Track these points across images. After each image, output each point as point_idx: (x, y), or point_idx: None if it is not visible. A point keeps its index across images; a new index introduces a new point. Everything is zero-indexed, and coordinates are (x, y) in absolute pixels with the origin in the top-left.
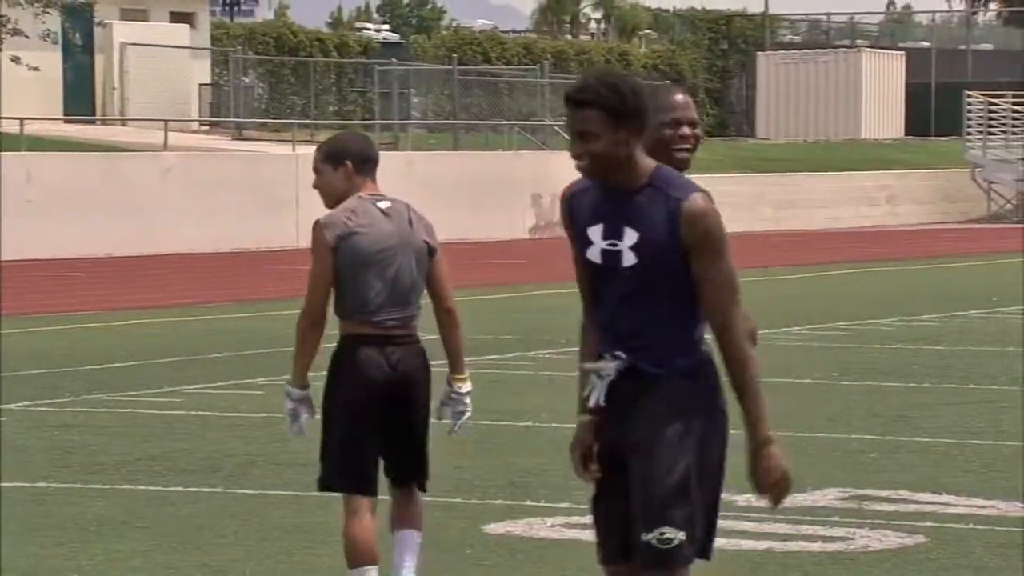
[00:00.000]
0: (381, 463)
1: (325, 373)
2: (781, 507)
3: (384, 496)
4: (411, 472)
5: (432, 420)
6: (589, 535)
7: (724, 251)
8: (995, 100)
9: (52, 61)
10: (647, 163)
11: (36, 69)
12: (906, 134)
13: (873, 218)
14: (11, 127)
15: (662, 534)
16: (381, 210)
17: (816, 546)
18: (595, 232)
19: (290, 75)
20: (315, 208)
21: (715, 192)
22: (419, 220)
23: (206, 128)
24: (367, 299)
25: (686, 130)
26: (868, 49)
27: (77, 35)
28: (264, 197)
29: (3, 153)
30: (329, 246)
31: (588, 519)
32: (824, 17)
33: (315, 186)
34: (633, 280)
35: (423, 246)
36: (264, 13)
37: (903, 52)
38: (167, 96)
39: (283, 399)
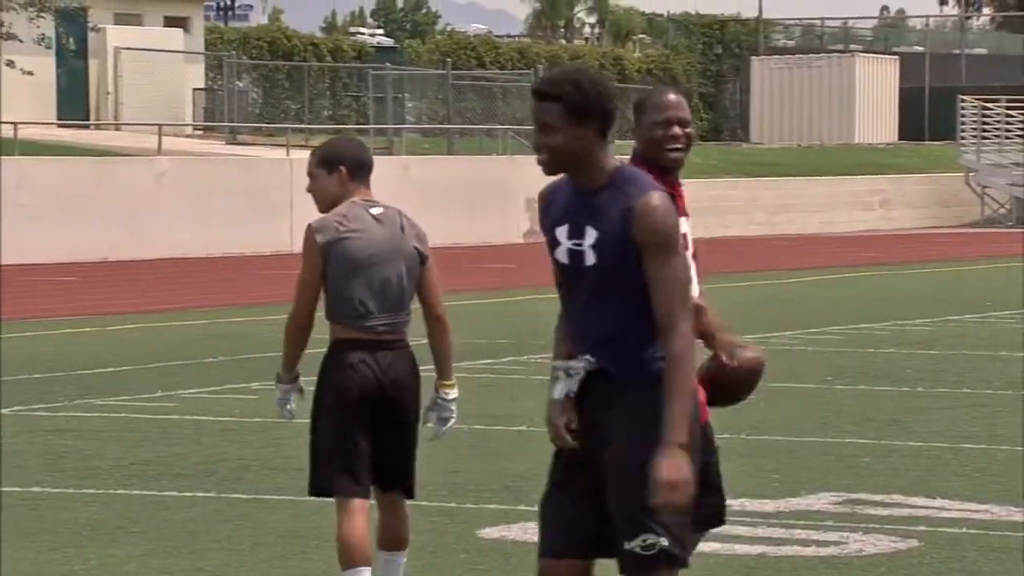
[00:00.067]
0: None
1: (315, 377)
2: (666, 513)
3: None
4: (399, 477)
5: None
6: None
7: (672, 250)
8: (989, 104)
9: (46, 66)
10: (610, 163)
11: (30, 73)
12: (900, 138)
13: (867, 222)
14: (5, 131)
15: (644, 540)
16: (373, 216)
17: (810, 550)
18: (562, 232)
19: (284, 80)
20: (309, 212)
21: (709, 196)
22: (411, 227)
23: (200, 132)
24: (357, 304)
25: (677, 130)
26: (862, 54)
27: (71, 40)
28: (258, 201)
29: None
30: (319, 250)
31: None
32: (818, 22)
33: (309, 190)
34: (595, 280)
35: (414, 253)
36: (258, 18)
37: (897, 57)
38: (161, 100)
39: (275, 387)
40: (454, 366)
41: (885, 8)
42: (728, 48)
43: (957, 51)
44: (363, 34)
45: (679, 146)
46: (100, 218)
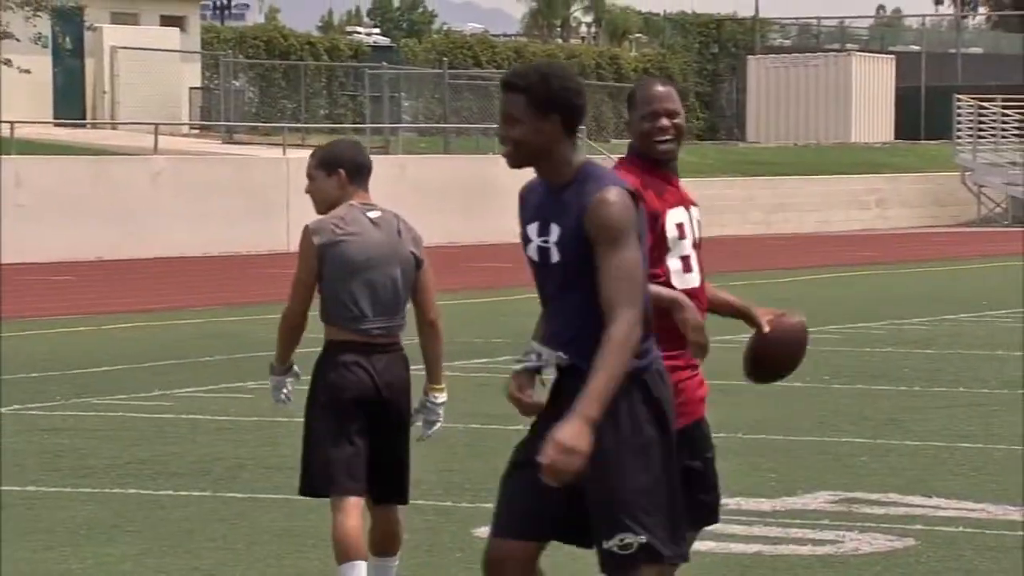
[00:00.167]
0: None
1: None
2: (548, 476)
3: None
4: (393, 485)
5: None
6: None
7: (620, 243)
8: (985, 104)
9: (42, 65)
10: (577, 159)
11: (27, 71)
12: (896, 138)
13: (863, 222)
14: (2, 131)
15: (622, 540)
16: (370, 219)
17: (806, 549)
18: (532, 229)
19: (281, 79)
20: (306, 212)
21: (705, 195)
22: (408, 231)
23: (196, 132)
24: (352, 307)
25: (664, 121)
26: (858, 53)
27: (67, 39)
28: (254, 201)
29: None
30: (315, 252)
31: None
32: (814, 21)
33: (308, 191)
34: (560, 277)
35: (410, 257)
36: (255, 17)
37: (893, 56)
38: (157, 100)
39: (269, 378)
40: (450, 364)
41: (881, 7)
42: (724, 47)
43: (953, 50)
44: (359, 33)
45: (667, 137)
46: (96, 217)
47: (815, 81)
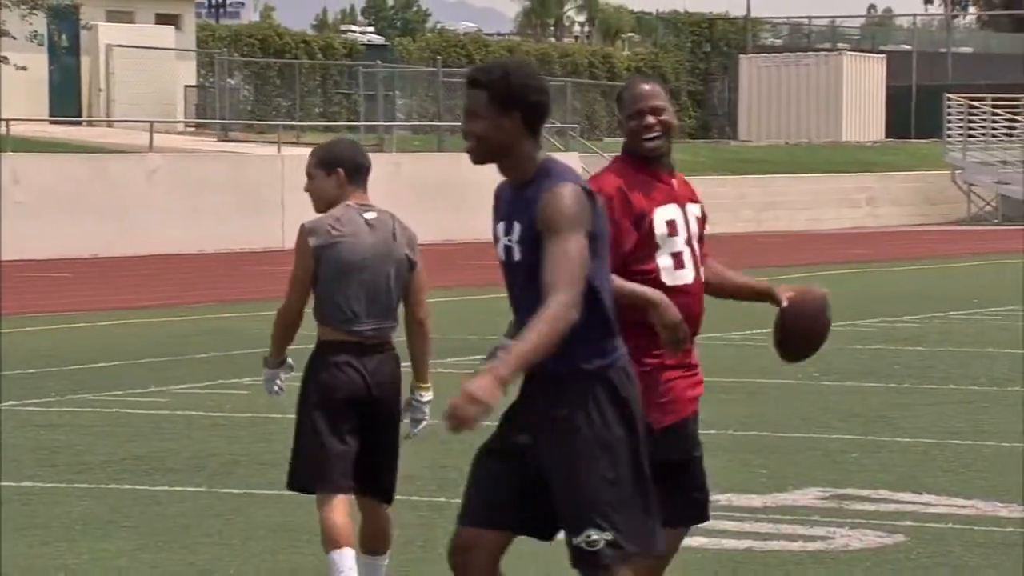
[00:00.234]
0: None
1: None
2: (449, 422)
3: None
4: (381, 482)
5: None
6: None
7: (565, 233)
8: (975, 103)
9: (38, 62)
10: (538, 157)
11: (23, 69)
12: (886, 136)
13: (854, 220)
14: None
15: (588, 537)
16: (367, 220)
17: (797, 545)
18: (500, 229)
19: (275, 77)
20: (301, 209)
21: (697, 193)
22: (403, 232)
23: (191, 130)
24: (345, 307)
25: (650, 119)
26: (849, 52)
27: (63, 37)
28: (249, 198)
29: None
30: (311, 252)
31: None
32: (805, 20)
33: (307, 190)
34: (522, 275)
35: (404, 259)
36: (250, 15)
37: (884, 55)
38: (153, 98)
39: (263, 371)
40: (444, 361)
41: (872, 7)
42: (716, 46)
43: (944, 50)
44: (354, 32)
45: (654, 135)
46: (92, 214)
47: (806, 80)
